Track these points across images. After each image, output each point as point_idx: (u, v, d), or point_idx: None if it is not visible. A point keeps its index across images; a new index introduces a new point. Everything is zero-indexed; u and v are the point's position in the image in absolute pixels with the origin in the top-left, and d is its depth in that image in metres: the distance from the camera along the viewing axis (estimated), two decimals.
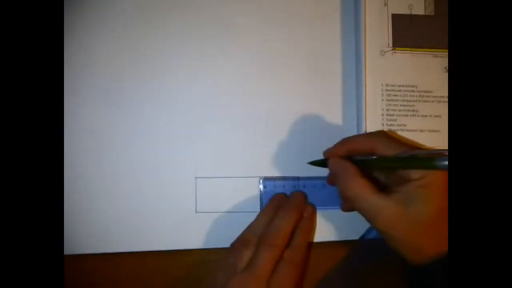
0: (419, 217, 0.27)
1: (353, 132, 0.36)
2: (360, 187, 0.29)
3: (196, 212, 0.36)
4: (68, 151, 0.35)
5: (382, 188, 0.29)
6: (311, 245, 0.35)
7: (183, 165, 0.36)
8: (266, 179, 0.36)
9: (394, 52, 0.36)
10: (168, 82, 0.36)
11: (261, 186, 0.36)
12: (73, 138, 0.35)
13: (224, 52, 0.37)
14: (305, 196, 0.35)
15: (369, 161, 0.30)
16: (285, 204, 0.33)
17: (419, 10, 0.37)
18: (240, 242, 0.32)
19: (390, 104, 0.36)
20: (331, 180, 0.32)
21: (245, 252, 0.30)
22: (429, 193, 0.27)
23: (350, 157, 0.31)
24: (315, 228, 0.34)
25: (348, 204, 0.32)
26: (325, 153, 0.33)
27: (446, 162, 0.26)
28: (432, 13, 0.37)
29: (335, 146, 0.32)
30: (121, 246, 0.35)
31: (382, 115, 0.36)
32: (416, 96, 0.36)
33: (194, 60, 0.37)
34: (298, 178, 0.36)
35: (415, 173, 0.28)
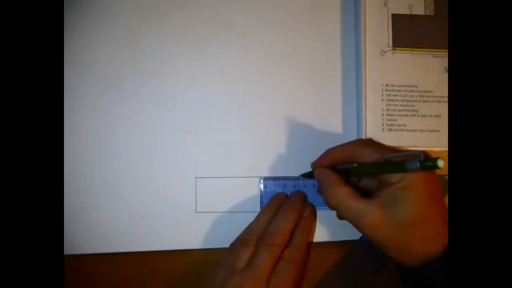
0: (402, 219, 0.27)
1: (353, 132, 0.36)
2: (342, 195, 0.29)
3: (196, 212, 0.36)
4: (68, 151, 0.35)
5: (367, 195, 0.29)
6: (310, 245, 0.35)
7: (183, 165, 0.36)
8: (266, 179, 0.36)
9: (394, 52, 0.36)
10: (168, 82, 0.36)
11: (261, 186, 0.36)
12: (73, 138, 0.35)
13: (224, 52, 0.37)
14: (305, 196, 0.35)
15: (350, 169, 0.31)
16: (286, 204, 0.33)
17: (419, 10, 0.37)
18: (240, 242, 0.32)
19: (390, 104, 0.36)
20: (319, 190, 0.33)
21: (244, 252, 0.31)
22: (408, 194, 0.27)
23: (334, 167, 0.32)
24: (315, 228, 0.34)
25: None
26: (312, 164, 0.34)
27: (418, 164, 0.26)
28: (432, 13, 0.37)
29: (320, 157, 0.33)
30: (121, 246, 0.35)
31: (382, 115, 0.36)
32: (416, 96, 0.36)
33: (194, 60, 0.36)
34: (298, 178, 0.36)
35: (394, 177, 0.28)
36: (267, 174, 0.36)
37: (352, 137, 0.36)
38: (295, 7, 0.37)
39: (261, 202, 0.36)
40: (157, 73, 0.36)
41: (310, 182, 0.36)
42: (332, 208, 0.30)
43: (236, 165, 0.36)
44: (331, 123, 0.37)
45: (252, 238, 0.31)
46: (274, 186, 0.36)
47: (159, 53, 0.36)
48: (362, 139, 0.34)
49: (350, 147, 0.31)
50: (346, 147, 0.32)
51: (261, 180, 0.36)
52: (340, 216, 0.31)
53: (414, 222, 0.27)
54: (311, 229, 0.34)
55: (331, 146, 0.33)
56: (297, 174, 0.36)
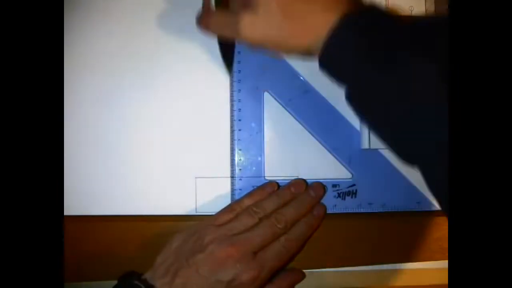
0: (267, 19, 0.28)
1: (357, 127, 0.37)
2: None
3: (196, 212, 0.36)
4: (68, 151, 0.35)
5: None
6: (305, 242, 0.34)
7: (183, 165, 0.36)
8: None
9: None
10: (168, 82, 0.36)
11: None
12: (73, 138, 0.35)
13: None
14: (323, 192, 0.35)
15: None
16: (303, 196, 0.34)
17: (419, 10, 0.37)
18: (248, 211, 0.32)
19: None
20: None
21: (248, 220, 0.31)
22: None
23: None
24: (317, 228, 0.34)
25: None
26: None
27: None
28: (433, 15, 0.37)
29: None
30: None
31: None
32: None
33: (194, 60, 0.37)
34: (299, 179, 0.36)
35: None
36: (267, 174, 0.36)
37: None
38: None
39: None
40: (157, 73, 0.36)
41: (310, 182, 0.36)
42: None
43: (236, 165, 0.36)
44: (331, 122, 0.37)
45: (259, 212, 0.32)
46: None
47: (159, 53, 0.36)
48: None
49: None
50: None
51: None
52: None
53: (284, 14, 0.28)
54: (314, 228, 0.33)
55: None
56: (297, 174, 0.36)
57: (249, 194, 0.34)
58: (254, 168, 0.36)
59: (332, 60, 0.28)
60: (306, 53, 0.29)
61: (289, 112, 0.36)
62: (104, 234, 0.35)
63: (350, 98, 0.29)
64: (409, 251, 0.37)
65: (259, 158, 0.36)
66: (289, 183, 0.35)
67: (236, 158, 0.36)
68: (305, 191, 0.34)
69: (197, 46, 0.37)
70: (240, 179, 0.36)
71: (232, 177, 0.36)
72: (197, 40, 0.36)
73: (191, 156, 0.36)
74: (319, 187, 0.35)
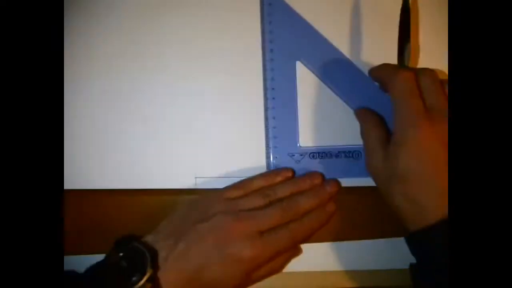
0: (392, 173, 0.28)
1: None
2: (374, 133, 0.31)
3: None
4: (68, 151, 0.35)
5: None
6: (311, 235, 0.34)
7: (183, 165, 0.36)
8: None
9: None
10: (168, 82, 0.36)
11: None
12: (73, 138, 0.35)
13: (224, 51, 0.37)
14: (338, 188, 0.35)
15: None
16: (318, 189, 0.34)
17: None
18: (260, 192, 0.32)
19: None
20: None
21: (258, 200, 0.32)
22: (399, 151, 0.28)
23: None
24: (325, 225, 0.34)
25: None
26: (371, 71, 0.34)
27: None
28: None
29: (376, 69, 0.33)
30: None
31: None
32: None
33: (194, 59, 0.36)
34: None
35: (398, 133, 0.29)
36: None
37: None
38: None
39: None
40: (157, 73, 0.36)
41: None
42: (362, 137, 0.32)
43: (236, 165, 0.36)
44: (330, 123, 0.37)
45: (271, 195, 0.32)
46: None
47: (159, 53, 0.36)
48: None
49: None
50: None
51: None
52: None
53: (402, 180, 0.28)
54: (323, 223, 0.33)
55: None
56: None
57: (262, 175, 0.34)
58: (288, 136, 0.36)
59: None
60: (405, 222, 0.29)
61: (322, 81, 0.36)
62: (104, 208, 0.35)
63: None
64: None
65: (293, 126, 0.36)
66: (306, 174, 0.35)
67: (270, 127, 0.36)
68: (321, 185, 0.34)
69: (198, 46, 0.36)
70: (276, 147, 0.36)
71: (267, 146, 0.36)
72: (198, 39, 0.36)
73: (191, 156, 0.36)
74: (335, 184, 0.34)
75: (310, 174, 0.35)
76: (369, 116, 0.33)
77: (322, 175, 0.35)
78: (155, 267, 0.28)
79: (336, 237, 0.36)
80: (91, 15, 0.36)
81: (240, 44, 0.37)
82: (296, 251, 0.35)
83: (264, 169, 0.36)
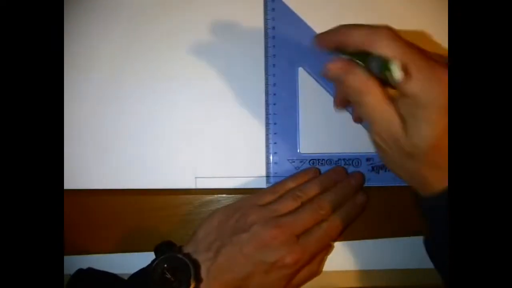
0: (418, 142, 0.25)
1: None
2: (375, 95, 0.26)
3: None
4: (68, 151, 0.35)
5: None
6: (345, 229, 0.34)
7: (183, 165, 0.36)
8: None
9: None
10: (168, 82, 0.36)
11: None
12: (72, 138, 0.35)
13: (226, 54, 0.37)
14: (363, 181, 0.35)
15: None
16: (346, 182, 0.34)
17: None
18: (292, 194, 0.32)
19: None
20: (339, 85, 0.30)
21: (291, 203, 0.32)
22: (429, 116, 0.25)
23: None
24: (357, 216, 0.34)
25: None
26: (316, 38, 0.30)
27: (398, 75, 0.23)
28: None
29: (328, 34, 0.29)
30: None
31: None
32: None
33: (194, 60, 0.36)
34: None
35: (413, 86, 0.24)
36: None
37: None
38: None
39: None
40: (156, 73, 0.36)
41: None
42: (353, 101, 0.28)
43: (236, 165, 0.36)
44: (330, 124, 0.37)
45: (302, 196, 0.32)
46: None
47: (159, 53, 0.36)
48: (391, 28, 0.26)
49: (375, 35, 0.26)
50: (369, 33, 0.26)
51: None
52: (358, 117, 0.30)
53: (431, 151, 0.25)
54: (354, 216, 0.33)
55: (323, 33, 0.29)
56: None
57: (291, 177, 0.34)
58: (288, 142, 0.36)
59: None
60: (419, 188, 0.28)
61: (323, 88, 0.36)
62: (104, 208, 0.35)
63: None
64: (411, 225, 0.36)
65: (294, 133, 0.36)
66: (330, 169, 0.35)
67: (271, 133, 0.36)
68: (346, 179, 0.34)
69: (198, 45, 0.36)
70: (276, 153, 0.36)
71: (267, 152, 0.36)
72: (199, 39, 0.36)
73: (191, 156, 0.36)
74: (360, 176, 0.35)
75: (334, 170, 0.35)
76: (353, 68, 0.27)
77: (345, 169, 0.35)
78: (199, 280, 0.28)
79: (376, 235, 0.36)
80: (91, 15, 0.36)
81: (242, 48, 0.37)
82: (329, 249, 0.35)
83: (263, 174, 0.36)
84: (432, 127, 0.25)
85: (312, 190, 0.33)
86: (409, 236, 0.36)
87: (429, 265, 0.36)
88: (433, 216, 0.28)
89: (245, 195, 0.34)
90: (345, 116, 0.36)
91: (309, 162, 0.36)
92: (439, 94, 0.24)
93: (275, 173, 0.36)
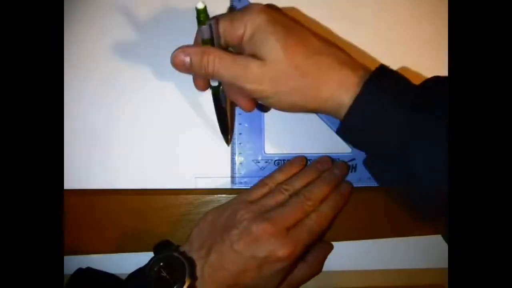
0: (277, 58, 0.28)
1: None
2: (220, 55, 0.28)
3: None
4: (67, 152, 0.35)
5: None
6: (334, 219, 0.34)
7: (183, 165, 0.36)
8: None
9: None
10: (168, 82, 0.36)
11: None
12: (73, 138, 0.35)
13: None
14: (348, 171, 0.35)
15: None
16: (330, 172, 0.34)
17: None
18: (279, 188, 0.32)
19: None
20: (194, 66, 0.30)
21: (280, 196, 0.32)
22: (263, 37, 0.28)
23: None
24: (344, 205, 0.34)
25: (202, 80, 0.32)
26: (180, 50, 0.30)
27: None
28: None
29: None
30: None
31: None
32: None
33: None
34: None
35: (238, 29, 0.28)
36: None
37: None
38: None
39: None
40: (157, 73, 0.36)
41: None
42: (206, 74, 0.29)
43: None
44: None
45: (289, 189, 0.32)
46: None
47: (159, 53, 0.36)
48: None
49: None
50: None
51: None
52: (222, 79, 0.30)
53: (288, 57, 0.28)
54: (341, 206, 0.34)
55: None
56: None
57: (279, 169, 0.34)
58: (254, 143, 0.36)
59: (359, 124, 0.29)
60: (313, 110, 0.30)
61: None
62: (104, 208, 0.35)
63: (371, 162, 0.31)
64: (409, 225, 0.36)
65: (259, 133, 0.36)
66: (315, 160, 0.35)
67: (237, 133, 0.36)
68: (330, 170, 0.34)
69: None
70: (240, 154, 0.36)
71: (233, 152, 0.36)
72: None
73: (191, 156, 0.36)
74: (343, 166, 0.35)
75: (319, 160, 0.35)
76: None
77: (330, 159, 0.35)
78: (194, 277, 0.29)
79: (335, 238, 0.36)
80: (91, 15, 0.36)
81: None
82: (328, 248, 0.36)
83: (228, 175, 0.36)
84: (269, 41, 0.28)
85: (299, 182, 0.33)
86: (372, 238, 0.36)
87: (430, 265, 0.36)
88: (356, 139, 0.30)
89: None
90: (312, 118, 0.36)
91: (275, 162, 0.36)
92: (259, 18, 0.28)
93: (240, 173, 0.36)
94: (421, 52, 0.38)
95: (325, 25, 0.38)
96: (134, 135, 0.36)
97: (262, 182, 0.34)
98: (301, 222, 0.31)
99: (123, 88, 0.36)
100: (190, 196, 0.35)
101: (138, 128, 0.36)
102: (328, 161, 0.35)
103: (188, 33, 0.36)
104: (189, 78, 0.36)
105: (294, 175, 0.34)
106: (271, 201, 0.32)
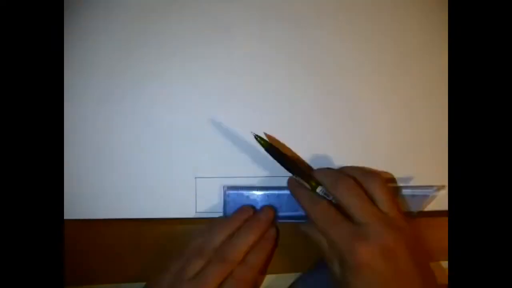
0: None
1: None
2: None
3: (196, 212, 0.36)
4: (67, 152, 0.35)
5: None
6: (265, 266, 0.34)
7: (183, 165, 0.36)
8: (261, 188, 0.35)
9: None
10: (168, 83, 0.36)
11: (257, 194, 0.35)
12: (73, 138, 0.35)
13: (224, 52, 0.37)
14: (274, 214, 0.34)
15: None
16: (251, 221, 0.33)
17: None
18: (196, 251, 0.31)
19: None
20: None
21: (198, 261, 0.30)
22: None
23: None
24: (272, 252, 0.33)
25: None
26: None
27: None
28: None
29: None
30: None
31: None
32: None
33: (194, 60, 0.36)
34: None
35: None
36: (266, 173, 0.36)
37: None
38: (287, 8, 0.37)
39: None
40: (157, 73, 0.36)
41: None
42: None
43: (236, 165, 0.36)
44: (330, 125, 0.37)
45: (208, 248, 0.31)
46: (268, 196, 0.35)
47: (159, 53, 0.36)
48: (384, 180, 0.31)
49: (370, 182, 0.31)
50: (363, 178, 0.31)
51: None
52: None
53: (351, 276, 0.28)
54: (269, 252, 0.33)
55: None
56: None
57: (198, 231, 0.33)
58: None
59: None
60: None
61: None
62: (104, 238, 0.35)
63: None
64: None
65: None
66: (236, 211, 0.34)
67: None
68: (253, 216, 0.33)
69: (198, 46, 0.36)
70: None
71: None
72: (198, 40, 0.36)
73: (191, 156, 0.36)
74: (268, 210, 0.34)
75: (239, 210, 0.34)
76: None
77: (252, 207, 0.34)
78: None
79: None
80: (91, 15, 0.36)
81: (243, 45, 0.37)
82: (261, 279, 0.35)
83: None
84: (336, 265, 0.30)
85: (219, 238, 0.31)
86: None
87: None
88: None
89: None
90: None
91: None
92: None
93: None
94: (421, 52, 0.38)
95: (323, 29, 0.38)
96: (133, 135, 0.36)
97: (181, 250, 0.32)
98: (224, 283, 0.30)
99: (123, 88, 0.36)
100: (190, 226, 0.35)
101: (138, 128, 0.36)
102: (249, 210, 0.34)
103: (189, 34, 0.37)
104: (188, 79, 0.37)
105: (212, 232, 0.32)
106: (190, 270, 0.30)
